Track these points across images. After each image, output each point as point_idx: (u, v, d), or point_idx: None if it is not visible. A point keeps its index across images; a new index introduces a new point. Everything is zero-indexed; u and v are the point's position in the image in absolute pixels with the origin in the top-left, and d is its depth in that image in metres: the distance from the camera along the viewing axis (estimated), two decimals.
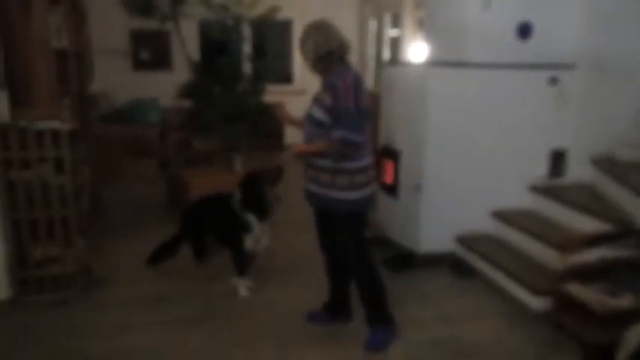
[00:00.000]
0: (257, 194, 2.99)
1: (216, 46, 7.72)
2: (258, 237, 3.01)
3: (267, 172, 3.09)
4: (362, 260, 2.65)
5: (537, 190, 3.82)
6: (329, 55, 2.45)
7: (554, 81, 3.76)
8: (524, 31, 3.71)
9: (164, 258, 3.41)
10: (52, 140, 2.89)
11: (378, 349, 2.64)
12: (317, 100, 2.50)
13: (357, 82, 2.42)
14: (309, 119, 2.53)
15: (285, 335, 2.80)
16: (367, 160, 2.54)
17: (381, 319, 2.72)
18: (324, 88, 2.48)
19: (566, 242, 2.97)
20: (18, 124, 2.88)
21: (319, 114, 2.45)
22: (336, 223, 2.60)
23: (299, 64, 8.32)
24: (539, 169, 3.88)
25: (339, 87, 2.37)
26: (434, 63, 3.92)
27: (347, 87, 2.36)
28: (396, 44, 6.69)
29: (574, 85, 3.81)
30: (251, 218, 2.99)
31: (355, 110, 2.36)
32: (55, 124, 2.93)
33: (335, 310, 2.91)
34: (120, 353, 2.60)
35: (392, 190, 3.99)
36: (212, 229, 3.23)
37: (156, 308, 3.05)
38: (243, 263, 3.02)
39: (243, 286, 3.09)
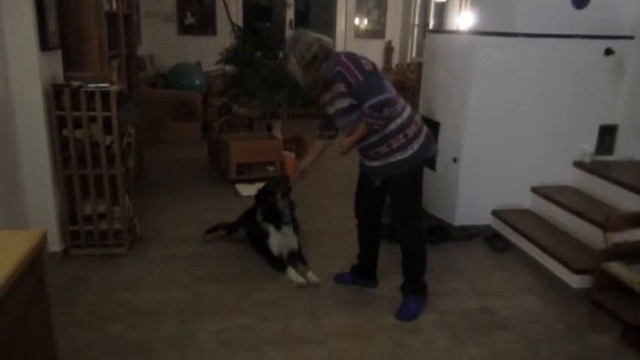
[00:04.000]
0: (270, 206, 3.21)
1: (260, 11, 7.72)
2: (280, 241, 3.17)
3: (278, 183, 3.26)
4: (417, 231, 2.70)
5: (582, 166, 3.70)
6: (315, 59, 2.49)
7: (609, 52, 3.58)
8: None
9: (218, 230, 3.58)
10: (102, 101, 3.00)
11: (408, 320, 2.69)
12: (334, 97, 2.54)
13: (350, 57, 2.47)
14: (339, 114, 2.57)
15: (318, 298, 2.87)
16: (408, 111, 2.58)
17: (416, 289, 2.77)
18: (331, 83, 2.51)
19: (611, 221, 2.89)
20: (71, 84, 3.00)
21: (345, 102, 2.50)
22: (397, 190, 2.64)
23: (341, 32, 8.21)
24: (586, 145, 3.75)
25: (343, 72, 2.44)
26: (481, 32, 3.79)
27: (348, 67, 2.43)
28: (442, 11, 6.48)
29: (631, 58, 3.62)
30: (269, 227, 3.20)
31: (365, 79, 2.41)
32: (105, 86, 3.03)
33: (362, 274, 3.01)
34: (161, 305, 2.75)
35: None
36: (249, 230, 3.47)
37: (195, 266, 3.19)
38: (273, 264, 3.16)
39: (295, 277, 3.03)
